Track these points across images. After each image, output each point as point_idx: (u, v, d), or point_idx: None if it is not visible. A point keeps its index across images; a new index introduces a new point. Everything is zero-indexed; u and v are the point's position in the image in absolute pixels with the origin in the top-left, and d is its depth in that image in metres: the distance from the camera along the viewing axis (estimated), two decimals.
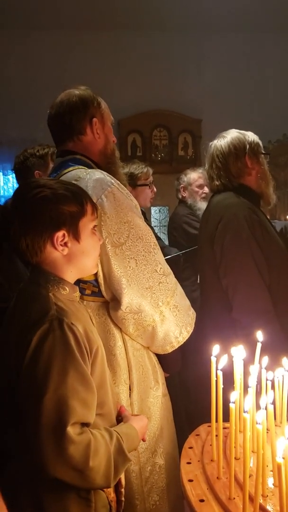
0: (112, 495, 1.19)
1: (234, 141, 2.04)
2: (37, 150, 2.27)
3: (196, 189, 3.32)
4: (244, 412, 1.04)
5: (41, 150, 2.25)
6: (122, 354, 1.54)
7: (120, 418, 1.29)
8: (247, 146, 2.04)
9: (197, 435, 1.47)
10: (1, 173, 5.11)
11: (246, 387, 1.19)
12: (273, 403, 1.19)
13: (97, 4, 4.43)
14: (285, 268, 1.98)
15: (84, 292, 1.51)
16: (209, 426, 1.43)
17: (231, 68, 5.19)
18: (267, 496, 1.12)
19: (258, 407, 1.07)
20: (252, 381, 1.17)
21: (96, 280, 1.49)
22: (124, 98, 4.94)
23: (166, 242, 3.53)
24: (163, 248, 2.78)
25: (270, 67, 5.23)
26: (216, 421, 1.29)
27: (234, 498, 1.12)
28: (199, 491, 1.19)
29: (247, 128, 2.12)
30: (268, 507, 1.08)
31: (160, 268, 1.53)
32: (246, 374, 1.25)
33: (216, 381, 1.25)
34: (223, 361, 1.26)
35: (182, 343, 1.59)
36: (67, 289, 1.18)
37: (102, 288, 1.50)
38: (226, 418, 1.23)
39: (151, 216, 5.15)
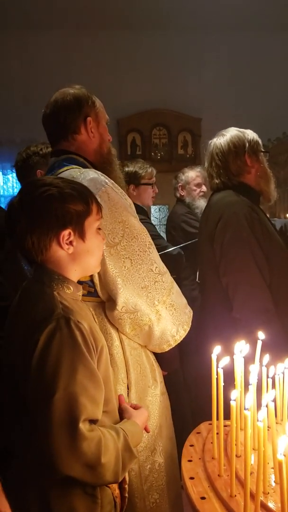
0: (117, 491, 1.20)
1: (233, 139, 2.04)
2: (40, 149, 2.23)
3: (194, 187, 3.32)
4: (245, 409, 1.04)
5: (45, 148, 2.21)
6: (120, 354, 1.54)
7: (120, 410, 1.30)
8: (247, 144, 2.04)
9: (198, 433, 1.47)
10: (0, 173, 5.11)
11: (247, 385, 1.19)
12: (274, 400, 1.20)
13: (96, 4, 4.43)
14: (285, 266, 1.98)
15: None
16: (210, 424, 1.44)
17: (231, 67, 5.18)
18: (268, 493, 1.13)
19: (259, 404, 1.08)
20: (253, 379, 1.17)
21: (92, 280, 1.49)
22: (123, 97, 4.95)
23: None
24: (165, 247, 2.80)
25: (270, 66, 5.22)
26: (217, 419, 1.29)
27: (235, 496, 1.13)
28: (200, 488, 1.19)
29: (246, 127, 2.12)
30: (270, 504, 1.09)
31: (156, 267, 1.52)
32: (246, 372, 1.26)
33: (217, 379, 1.25)
34: (224, 359, 1.26)
35: (179, 341, 1.59)
36: (71, 288, 1.18)
37: (98, 288, 1.50)
38: (227, 416, 1.23)
39: (151, 215, 5.15)
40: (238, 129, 2.09)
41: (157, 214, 5.29)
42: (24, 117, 4.57)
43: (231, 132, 2.07)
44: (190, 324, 1.63)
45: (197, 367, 1.81)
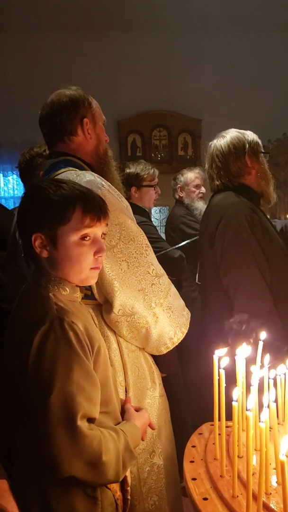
0: (118, 493, 1.20)
1: (233, 141, 2.04)
2: (43, 150, 2.21)
3: (193, 189, 3.31)
4: (247, 410, 1.04)
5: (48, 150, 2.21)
6: (117, 356, 1.53)
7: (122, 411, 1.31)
8: (247, 146, 2.04)
9: (200, 433, 1.48)
10: (1, 175, 5.11)
11: (248, 385, 1.19)
12: (276, 401, 1.20)
13: (96, 5, 4.44)
14: (285, 267, 1.98)
15: None
16: (212, 425, 1.44)
17: (231, 68, 5.19)
18: (271, 494, 1.13)
19: (260, 405, 1.08)
20: (255, 380, 1.18)
21: None
22: (123, 99, 4.96)
23: None
24: (167, 251, 2.78)
25: (270, 67, 5.23)
26: (219, 419, 1.29)
27: (237, 496, 1.13)
28: (202, 489, 1.19)
29: (247, 128, 2.12)
30: (272, 505, 1.09)
31: (153, 269, 1.52)
32: (248, 373, 1.26)
33: (219, 379, 1.25)
34: (226, 360, 1.26)
35: (177, 343, 1.59)
36: (68, 289, 1.18)
37: (95, 291, 1.50)
38: (229, 417, 1.24)
39: (152, 216, 5.15)
40: (238, 130, 2.09)
41: (157, 215, 5.29)
42: (25, 118, 4.58)
43: (231, 133, 2.07)
44: (188, 326, 1.62)
45: (198, 368, 1.81)
